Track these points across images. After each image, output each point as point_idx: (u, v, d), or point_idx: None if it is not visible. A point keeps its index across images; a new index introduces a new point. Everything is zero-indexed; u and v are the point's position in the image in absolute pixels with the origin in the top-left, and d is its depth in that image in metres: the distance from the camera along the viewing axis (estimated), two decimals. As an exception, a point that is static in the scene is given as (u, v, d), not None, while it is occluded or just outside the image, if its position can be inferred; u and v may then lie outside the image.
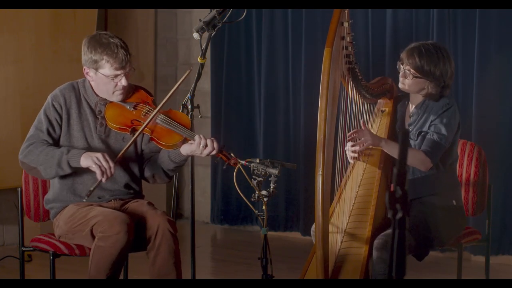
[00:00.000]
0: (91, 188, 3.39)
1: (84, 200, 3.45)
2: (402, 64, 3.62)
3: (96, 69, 3.46)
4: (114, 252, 3.34)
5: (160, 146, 3.47)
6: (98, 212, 3.42)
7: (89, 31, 5.38)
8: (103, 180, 3.37)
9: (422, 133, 3.58)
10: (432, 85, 3.59)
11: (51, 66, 5.30)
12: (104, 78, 3.47)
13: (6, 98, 5.20)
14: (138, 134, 3.44)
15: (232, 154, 3.41)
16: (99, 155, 3.37)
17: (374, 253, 3.37)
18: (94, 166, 3.36)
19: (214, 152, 3.39)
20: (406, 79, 3.61)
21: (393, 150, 3.56)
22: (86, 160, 3.38)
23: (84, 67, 3.51)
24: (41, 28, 5.28)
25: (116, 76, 3.46)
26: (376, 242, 3.39)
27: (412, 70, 3.58)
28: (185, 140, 3.43)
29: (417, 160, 3.51)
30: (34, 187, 3.74)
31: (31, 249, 3.67)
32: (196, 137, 3.39)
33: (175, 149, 3.47)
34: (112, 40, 3.45)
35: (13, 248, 5.11)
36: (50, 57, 5.32)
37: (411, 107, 3.71)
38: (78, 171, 3.48)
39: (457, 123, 3.61)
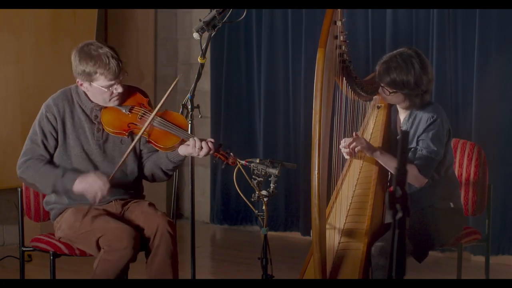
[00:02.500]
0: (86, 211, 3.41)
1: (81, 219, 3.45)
2: (379, 80, 3.62)
3: (91, 81, 3.44)
4: (120, 265, 3.34)
5: (158, 149, 3.47)
6: (104, 223, 3.41)
7: (89, 31, 5.38)
8: (94, 205, 3.40)
9: (412, 149, 3.57)
10: (409, 97, 3.57)
11: (51, 66, 5.29)
12: (99, 89, 3.45)
13: (6, 98, 5.20)
14: (136, 142, 3.45)
15: (231, 153, 3.40)
16: (93, 191, 3.37)
17: (372, 260, 3.36)
18: (88, 195, 3.39)
19: (211, 152, 3.39)
20: (385, 95, 3.61)
21: (388, 162, 3.54)
22: (80, 185, 3.40)
23: (77, 79, 3.47)
24: (41, 28, 5.27)
25: (111, 86, 3.44)
26: (373, 249, 3.38)
27: (386, 87, 3.58)
28: (182, 141, 3.43)
29: (410, 175, 3.49)
30: (34, 187, 3.74)
31: (31, 249, 3.67)
32: (191, 139, 3.39)
33: (173, 150, 3.47)
34: (101, 51, 3.41)
35: (13, 248, 5.11)
36: (50, 57, 5.31)
37: (401, 113, 3.71)
38: None
39: (445, 133, 3.60)
